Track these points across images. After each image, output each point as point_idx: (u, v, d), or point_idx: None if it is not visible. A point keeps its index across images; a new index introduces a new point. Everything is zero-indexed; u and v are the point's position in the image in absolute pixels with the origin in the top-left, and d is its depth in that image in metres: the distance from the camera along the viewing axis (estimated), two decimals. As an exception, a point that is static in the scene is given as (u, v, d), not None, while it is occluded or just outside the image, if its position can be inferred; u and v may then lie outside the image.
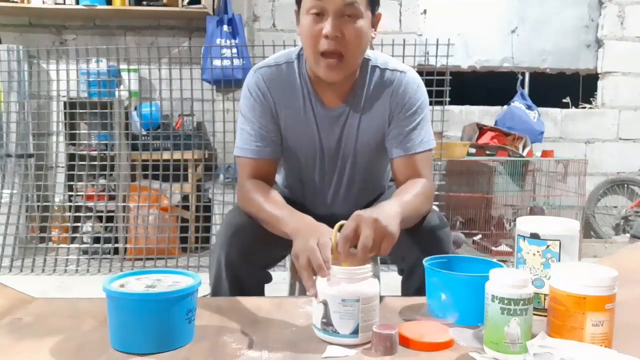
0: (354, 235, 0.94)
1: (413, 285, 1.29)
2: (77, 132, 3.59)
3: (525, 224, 1.01)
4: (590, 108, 4.04)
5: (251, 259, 1.24)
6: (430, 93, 3.20)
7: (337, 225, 0.98)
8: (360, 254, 0.93)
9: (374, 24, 1.24)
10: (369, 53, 1.31)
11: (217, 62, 3.47)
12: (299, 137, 1.33)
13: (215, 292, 1.26)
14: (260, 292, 1.32)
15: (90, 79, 3.45)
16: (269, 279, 1.36)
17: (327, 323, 0.88)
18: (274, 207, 1.19)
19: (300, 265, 0.94)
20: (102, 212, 3.34)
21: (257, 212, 1.22)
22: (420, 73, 3.37)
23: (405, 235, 1.23)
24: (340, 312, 0.87)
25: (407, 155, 1.28)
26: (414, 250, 1.24)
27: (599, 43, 4.02)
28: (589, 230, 3.88)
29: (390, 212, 1.02)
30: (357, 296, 0.88)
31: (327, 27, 1.14)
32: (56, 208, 3.50)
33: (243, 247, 1.22)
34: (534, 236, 0.99)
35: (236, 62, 3.45)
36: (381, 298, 1.15)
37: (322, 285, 0.90)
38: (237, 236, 1.23)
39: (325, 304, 0.88)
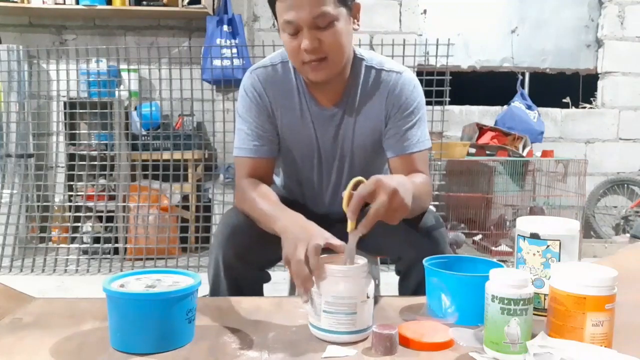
0: (370, 197, 0.93)
1: (410, 285, 1.29)
2: (77, 132, 3.59)
3: (525, 224, 1.01)
4: (590, 108, 4.04)
5: (249, 259, 1.24)
6: (430, 93, 3.21)
7: (353, 181, 0.96)
8: (371, 217, 0.92)
9: (354, 15, 1.22)
10: (363, 53, 1.32)
11: (217, 62, 3.47)
12: (296, 137, 1.33)
13: (214, 292, 1.26)
14: (258, 292, 1.33)
15: (90, 79, 3.45)
16: (267, 278, 1.36)
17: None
18: (265, 204, 1.18)
19: (292, 271, 0.94)
20: (102, 212, 3.34)
21: (251, 210, 1.22)
22: (420, 73, 3.42)
23: (401, 236, 1.23)
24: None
25: (404, 155, 1.29)
26: (410, 251, 1.25)
27: (599, 43, 4.02)
28: (589, 230, 3.88)
29: (406, 185, 1.00)
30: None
31: (304, 42, 1.14)
32: (56, 208, 3.50)
33: (240, 248, 1.23)
34: (534, 236, 0.99)
35: (236, 62, 3.45)
36: (379, 298, 1.15)
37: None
38: (234, 236, 1.23)
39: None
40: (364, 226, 0.92)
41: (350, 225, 0.93)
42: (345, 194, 0.95)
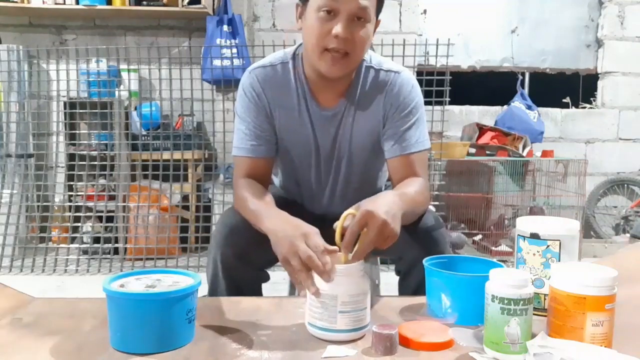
0: (362, 229, 0.96)
1: (410, 285, 1.29)
2: (77, 132, 3.59)
3: (525, 224, 1.01)
4: (590, 108, 4.04)
5: (247, 258, 1.24)
6: (430, 93, 3.21)
7: (344, 215, 0.98)
8: (364, 249, 0.95)
9: (374, 29, 1.25)
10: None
11: (217, 62, 3.47)
12: (294, 137, 1.33)
13: (213, 291, 1.27)
14: (257, 292, 1.33)
15: (90, 79, 3.45)
16: (266, 278, 1.36)
17: None
18: (256, 204, 1.19)
19: (294, 269, 0.93)
20: (102, 212, 3.34)
21: (243, 209, 1.23)
22: (420, 73, 3.42)
23: (401, 236, 1.23)
24: None
25: (402, 155, 1.29)
26: (410, 252, 1.25)
27: (599, 43, 4.02)
28: (589, 230, 3.88)
29: (394, 209, 1.01)
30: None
31: (338, 28, 1.14)
32: (56, 208, 3.50)
33: (238, 247, 1.23)
34: (534, 236, 0.99)
35: (236, 62, 3.45)
36: (379, 298, 1.15)
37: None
38: (232, 236, 1.23)
39: None
40: (356, 257, 0.94)
41: (343, 258, 0.94)
42: (338, 228, 0.97)
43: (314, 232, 0.99)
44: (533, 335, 0.82)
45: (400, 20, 3.88)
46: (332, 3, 1.14)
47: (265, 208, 1.16)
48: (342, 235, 0.96)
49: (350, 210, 0.99)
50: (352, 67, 1.24)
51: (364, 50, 1.22)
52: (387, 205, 1.01)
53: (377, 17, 1.23)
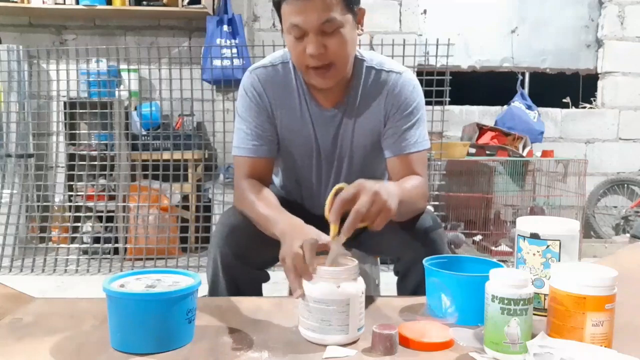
0: (352, 200, 0.92)
1: (408, 286, 1.29)
2: (77, 132, 3.59)
3: (525, 224, 1.01)
4: (590, 108, 4.04)
5: (247, 258, 1.24)
6: (430, 93, 3.21)
7: (335, 187, 0.96)
8: (352, 219, 0.90)
9: (359, 20, 1.23)
10: (364, 54, 1.32)
11: (217, 62, 3.47)
12: (295, 137, 1.33)
13: (213, 291, 1.27)
14: (257, 291, 1.33)
15: (90, 79, 3.45)
16: (266, 278, 1.36)
17: None
18: (265, 207, 1.18)
19: (286, 268, 0.94)
20: (102, 212, 3.34)
21: (250, 212, 1.22)
22: (420, 73, 3.42)
23: (399, 237, 1.22)
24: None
25: (402, 154, 1.29)
26: (408, 252, 1.25)
27: (599, 43, 4.02)
28: (589, 230, 3.88)
29: (391, 189, 1.00)
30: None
31: (309, 47, 1.14)
32: (56, 208, 3.50)
33: (238, 247, 1.23)
34: (534, 236, 0.99)
35: (236, 62, 3.45)
36: (379, 298, 1.15)
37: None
38: (231, 236, 1.24)
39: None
40: (346, 230, 0.91)
41: (332, 230, 0.92)
42: (328, 201, 0.94)
43: (313, 234, 0.98)
44: (533, 335, 0.82)
45: (400, 20, 3.88)
46: (297, 24, 1.13)
47: (276, 213, 1.15)
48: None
49: (342, 184, 0.97)
50: (342, 74, 1.23)
51: (347, 54, 1.20)
52: (383, 183, 1.00)
53: (353, 12, 1.17)
